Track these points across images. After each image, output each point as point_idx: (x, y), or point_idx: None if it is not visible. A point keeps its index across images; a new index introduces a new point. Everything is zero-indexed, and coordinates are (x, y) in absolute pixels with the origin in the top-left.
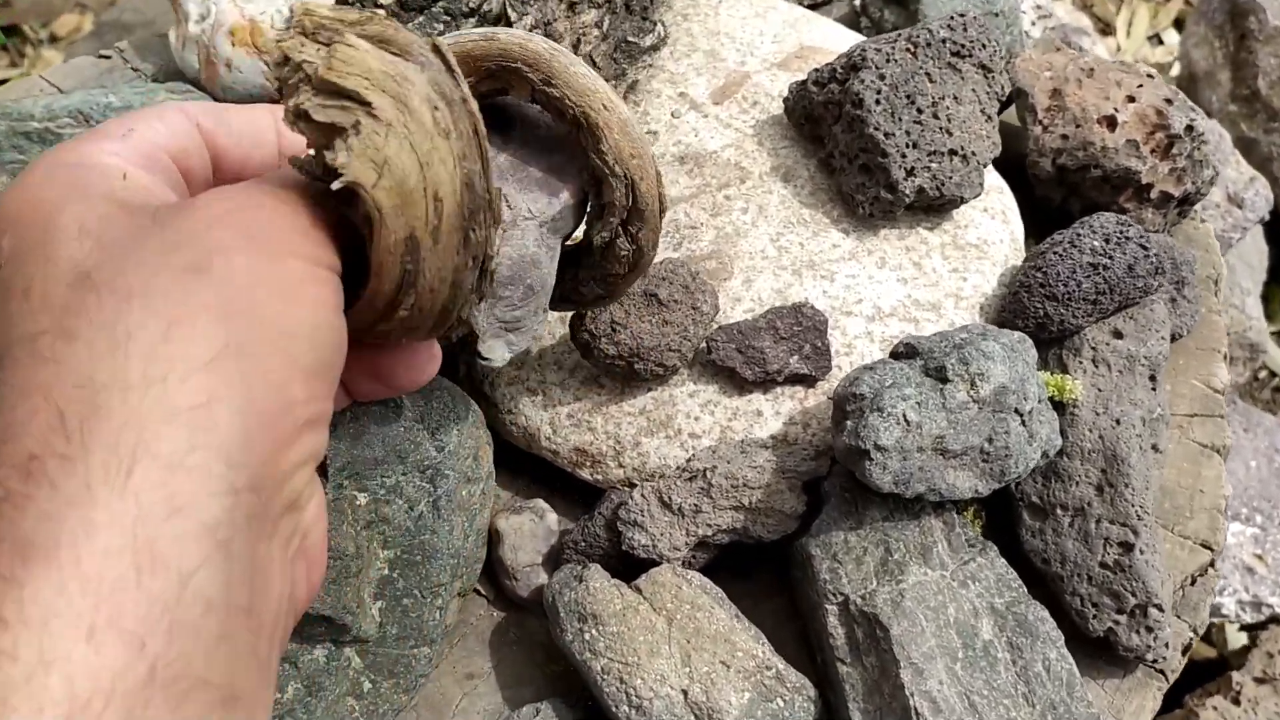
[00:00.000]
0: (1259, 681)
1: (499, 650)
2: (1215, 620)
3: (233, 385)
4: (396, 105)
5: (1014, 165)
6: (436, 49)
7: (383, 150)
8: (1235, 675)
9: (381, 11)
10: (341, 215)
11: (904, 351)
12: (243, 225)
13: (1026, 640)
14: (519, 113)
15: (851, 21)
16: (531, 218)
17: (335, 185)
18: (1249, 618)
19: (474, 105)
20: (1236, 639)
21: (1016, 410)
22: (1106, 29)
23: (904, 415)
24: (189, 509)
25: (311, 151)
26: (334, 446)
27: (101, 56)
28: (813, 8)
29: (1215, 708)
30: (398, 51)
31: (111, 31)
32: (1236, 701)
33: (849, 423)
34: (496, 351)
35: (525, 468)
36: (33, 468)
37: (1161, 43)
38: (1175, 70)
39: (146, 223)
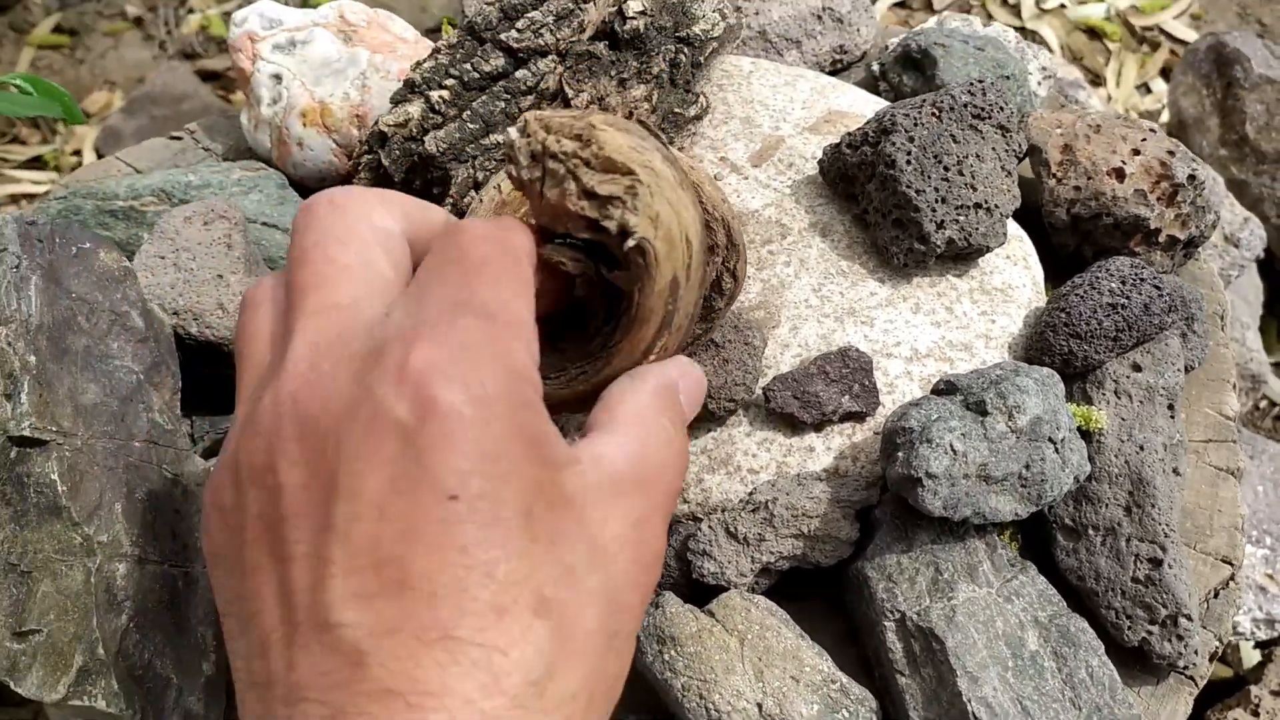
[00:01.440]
0: (1276, 694)
1: None
2: (1230, 639)
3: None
4: (646, 170)
5: (1030, 215)
6: (641, 123)
7: (653, 205)
8: (1254, 689)
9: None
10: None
11: (944, 388)
12: (639, 575)
13: (1070, 649)
14: None
15: (870, 86)
16: None
17: (629, 244)
18: (1263, 634)
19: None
20: (1251, 657)
21: (1050, 439)
22: (1096, 79)
23: (951, 445)
24: None
25: (552, 249)
26: None
27: (173, 138)
28: (833, 74)
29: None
30: (624, 130)
31: (141, 107)
32: (1255, 714)
33: (900, 454)
34: None
35: None
36: None
37: (1150, 91)
38: (1164, 117)
39: (574, 525)
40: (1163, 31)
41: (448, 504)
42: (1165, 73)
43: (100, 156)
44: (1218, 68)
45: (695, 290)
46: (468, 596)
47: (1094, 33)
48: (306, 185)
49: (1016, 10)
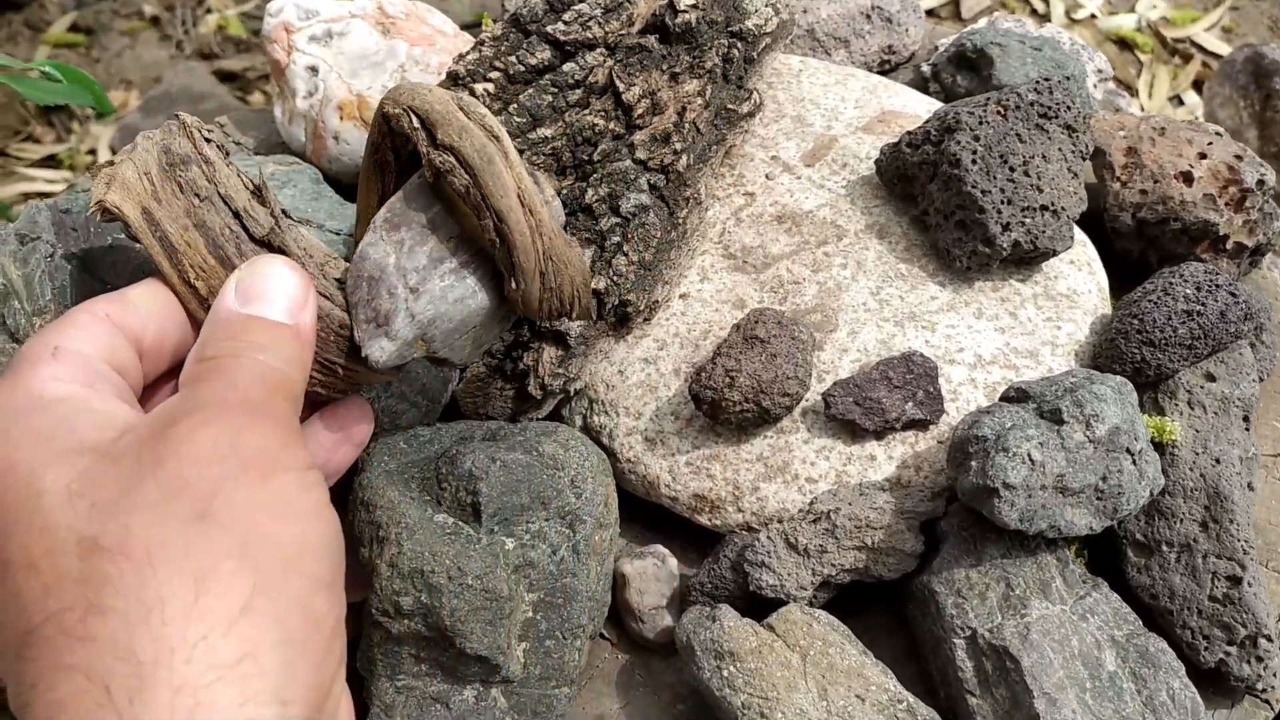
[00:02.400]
0: None
1: (626, 692)
2: None
3: (268, 626)
4: (127, 156)
5: (1090, 219)
6: (178, 117)
7: (113, 170)
8: None
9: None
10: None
11: (1015, 396)
12: (231, 454)
13: (1149, 670)
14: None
15: (919, 87)
16: (365, 234)
17: (89, 210)
18: None
19: (187, 119)
20: None
21: (1128, 450)
22: (1128, 91)
23: (1029, 455)
24: None
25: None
26: (486, 495)
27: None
28: (881, 75)
29: None
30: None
31: (158, 107)
32: None
33: (974, 463)
34: (374, 348)
35: (638, 515)
36: None
37: (1182, 103)
38: None
39: (133, 469)
40: (1194, 44)
41: None
42: (1197, 85)
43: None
44: (1256, 79)
45: (174, 202)
46: (21, 590)
47: (1124, 44)
48: (342, 180)
49: (1045, 20)
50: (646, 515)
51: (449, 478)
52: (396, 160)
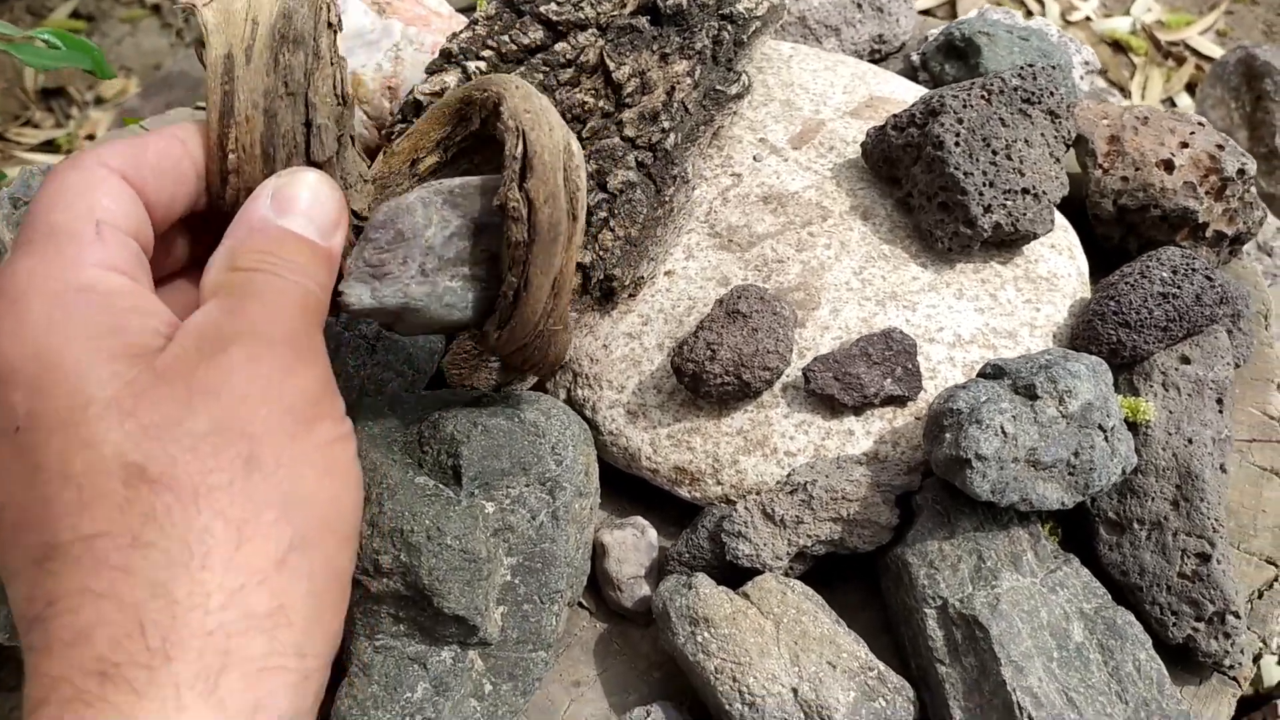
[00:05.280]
0: None
1: (603, 659)
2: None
3: (300, 581)
4: None
5: (1072, 206)
6: None
7: None
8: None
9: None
10: None
11: (992, 372)
12: (280, 397)
13: (1116, 642)
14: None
15: (909, 75)
16: (426, 188)
17: (179, 3)
18: None
19: None
20: (1274, 674)
21: (1100, 426)
22: (1122, 93)
23: (1001, 427)
24: (269, 706)
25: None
26: (467, 458)
27: (199, 108)
28: (871, 63)
29: None
30: None
31: (157, 93)
32: None
33: (948, 435)
34: (354, 291)
35: (620, 487)
36: (110, 673)
37: (1175, 106)
38: None
39: (184, 394)
40: (1188, 47)
41: (14, 437)
42: (1190, 88)
43: None
44: (1247, 81)
45: (261, 76)
46: (52, 500)
47: (1119, 46)
48: None
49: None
50: (628, 488)
51: (431, 441)
52: (482, 126)
